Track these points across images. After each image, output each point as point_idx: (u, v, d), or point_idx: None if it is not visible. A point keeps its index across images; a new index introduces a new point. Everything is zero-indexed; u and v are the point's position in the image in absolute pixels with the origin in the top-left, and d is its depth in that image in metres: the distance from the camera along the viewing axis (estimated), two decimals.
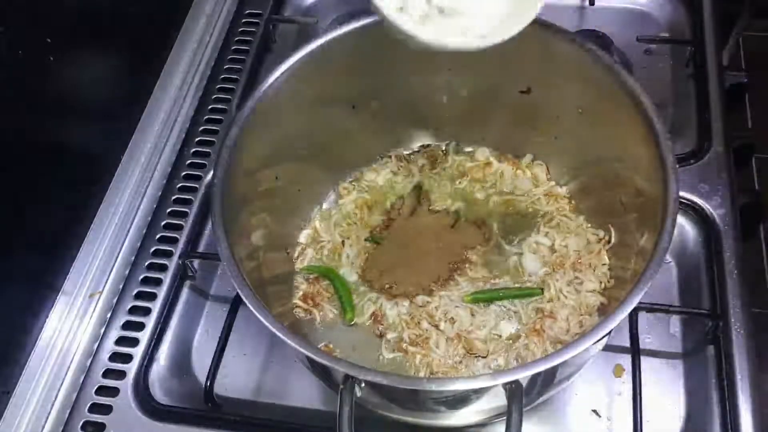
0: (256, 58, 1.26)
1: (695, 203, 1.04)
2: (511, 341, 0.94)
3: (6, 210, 0.92)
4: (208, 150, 1.17)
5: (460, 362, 0.92)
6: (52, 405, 0.96)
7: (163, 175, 1.15)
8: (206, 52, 1.30)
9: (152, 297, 1.03)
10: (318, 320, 0.98)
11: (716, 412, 0.89)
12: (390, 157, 1.10)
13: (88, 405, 0.95)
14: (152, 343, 0.98)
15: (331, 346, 0.96)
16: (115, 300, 1.03)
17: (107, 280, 1.06)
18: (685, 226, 1.04)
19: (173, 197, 1.12)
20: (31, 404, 0.95)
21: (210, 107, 1.22)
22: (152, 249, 1.07)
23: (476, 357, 0.93)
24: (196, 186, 1.13)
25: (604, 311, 0.94)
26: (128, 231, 1.10)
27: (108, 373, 0.97)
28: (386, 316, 0.97)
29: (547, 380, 0.78)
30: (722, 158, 1.08)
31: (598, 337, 0.72)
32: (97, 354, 0.99)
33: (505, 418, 0.68)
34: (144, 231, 1.09)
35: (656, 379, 0.94)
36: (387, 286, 0.99)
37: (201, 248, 1.08)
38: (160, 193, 1.13)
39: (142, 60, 1.22)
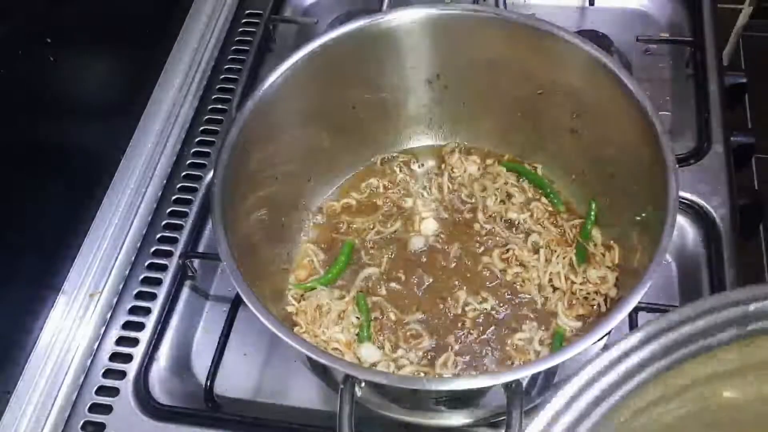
0: (256, 58, 1.26)
1: (695, 203, 1.04)
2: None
3: (6, 210, 0.92)
4: (208, 150, 1.17)
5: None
6: (52, 405, 0.96)
7: (163, 175, 1.15)
8: (206, 52, 1.29)
9: (152, 297, 1.03)
10: None
11: None
12: (391, 156, 1.10)
13: (88, 405, 0.95)
14: (152, 343, 0.98)
15: None
16: (115, 300, 1.03)
17: (107, 280, 1.05)
18: (685, 226, 1.04)
19: (173, 197, 1.12)
20: (31, 404, 0.95)
21: (210, 107, 1.22)
22: (152, 249, 1.07)
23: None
24: (196, 186, 1.13)
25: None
26: (128, 231, 1.10)
27: (108, 373, 0.97)
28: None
29: (547, 380, 0.78)
30: (722, 158, 1.08)
31: (598, 337, 0.72)
32: (97, 354, 0.99)
33: (505, 418, 0.68)
34: (144, 231, 1.09)
35: None
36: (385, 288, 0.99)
37: (201, 248, 1.08)
38: (160, 193, 1.13)
39: (142, 60, 1.22)
